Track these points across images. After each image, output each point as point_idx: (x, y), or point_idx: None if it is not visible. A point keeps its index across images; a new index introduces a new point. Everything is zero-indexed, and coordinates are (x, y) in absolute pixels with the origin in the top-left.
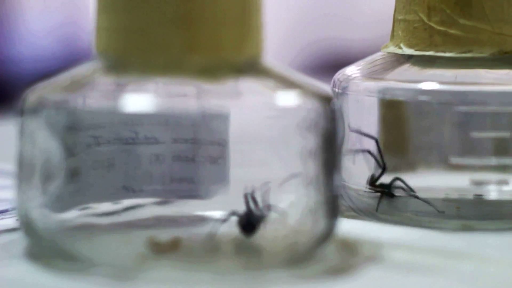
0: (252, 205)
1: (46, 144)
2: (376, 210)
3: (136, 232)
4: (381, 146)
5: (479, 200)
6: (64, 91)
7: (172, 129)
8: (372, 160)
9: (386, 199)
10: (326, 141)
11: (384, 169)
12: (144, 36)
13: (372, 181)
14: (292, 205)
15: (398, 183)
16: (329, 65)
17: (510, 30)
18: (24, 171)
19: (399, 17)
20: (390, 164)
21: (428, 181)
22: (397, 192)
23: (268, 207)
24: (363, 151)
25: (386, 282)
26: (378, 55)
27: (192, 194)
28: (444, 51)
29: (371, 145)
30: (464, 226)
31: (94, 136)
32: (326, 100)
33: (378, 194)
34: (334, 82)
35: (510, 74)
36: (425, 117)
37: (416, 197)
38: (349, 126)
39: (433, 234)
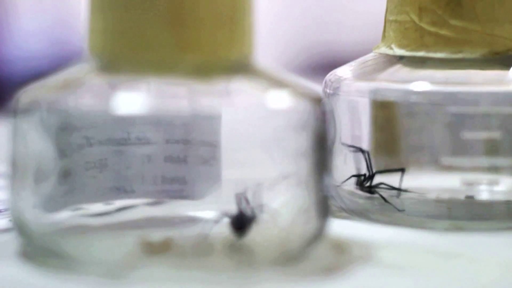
0: (243, 205)
1: (39, 144)
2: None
3: (128, 232)
4: (373, 146)
5: (470, 200)
6: (57, 92)
7: (164, 130)
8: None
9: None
10: (316, 141)
11: (372, 176)
12: (136, 36)
13: (359, 183)
14: (283, 205)
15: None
16: (322, 67)
17: (500, 31)
18: (17, 171)
19: (391, 18)
20: (382, 164)
21: (419, 182)
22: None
23: (260, 208)
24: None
25: (376, 282)
26: (369, 56)
27: (184, 195)
28: (435, 52)
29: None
30: (455, 226)
31: (86, 137)
32: (316, 100)
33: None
34: (325, 83)
35: (501, 75)
36: (416, 118)
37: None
38: (340, 140)
39: (424, 234)
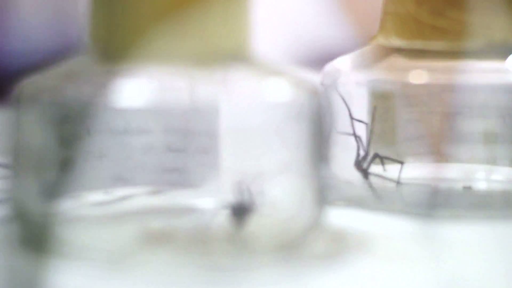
0: (242, 194)
1: (40, 135)
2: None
3: (128, 221)
4: (371, 137)
5: (468, 190)
6: (58, 83)
7: (163, 119)
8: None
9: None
10: (314, 131)
11: (366, 154)
12: (135, 26)
13: (357, 163)
14: (282, 194)
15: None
16: (319, 59)
17: (498, 22)
18: (18, 161)
19: (388, 9)
20: (380, 154)
21: (417, 172)
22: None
23: (258, 197)
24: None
25: (374, 270)
26: (367, 48)
27: (184, 184)
28: (433, 43)
29: (360, 131)
30: (453, 216)
31: (87, 127)
32: (314, 91)
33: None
34: (324, 74)
35: (498, 65)
36: (414, 108)
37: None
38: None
39: (422, 224)
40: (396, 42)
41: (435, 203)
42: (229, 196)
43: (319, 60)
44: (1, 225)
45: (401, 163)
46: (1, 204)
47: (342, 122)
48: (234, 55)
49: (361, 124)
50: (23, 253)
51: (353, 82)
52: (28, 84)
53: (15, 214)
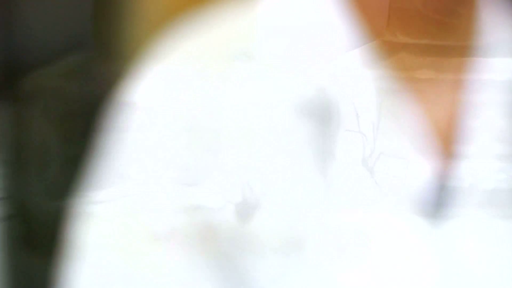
0: (248, 192)
1: (44, 132)
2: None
3: (133, 219)
4: (378, 134)
5: (475, 187)
6: (61, 79)
7: (170, 118)
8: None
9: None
10: (321, 128)
11: (373, 151)
12: (140, 24)
13: (364, 160)
14: (287, 192)
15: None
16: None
17: (504, 19)
18: (20, 158)
19: (395, 6)
20: (388, 151)
21: (424, 169)
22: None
23: (264, 194)
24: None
25: (380, 267)
26: (374, 44)
27: (190, 182)
28: (439, 40)
29: (367, 128)
30: (461, 213)
31: (91, 124)
32: (321, 88)
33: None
34: (330, 70)
35: (506, 63)
36: (421, 105)
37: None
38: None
39: (428, 221)
40: (404, 38)
41: (442, 201)
42: (235, 194)
43: (326, 57)
44: (4, 223)
45: (408, 160)
46: (4, 202)
47: (348, 119)
48: (241, 54)
49: (367, 121)
50: (27, 252)
51: (360, 78)
52: (32, 81)
53: (18, 212)
